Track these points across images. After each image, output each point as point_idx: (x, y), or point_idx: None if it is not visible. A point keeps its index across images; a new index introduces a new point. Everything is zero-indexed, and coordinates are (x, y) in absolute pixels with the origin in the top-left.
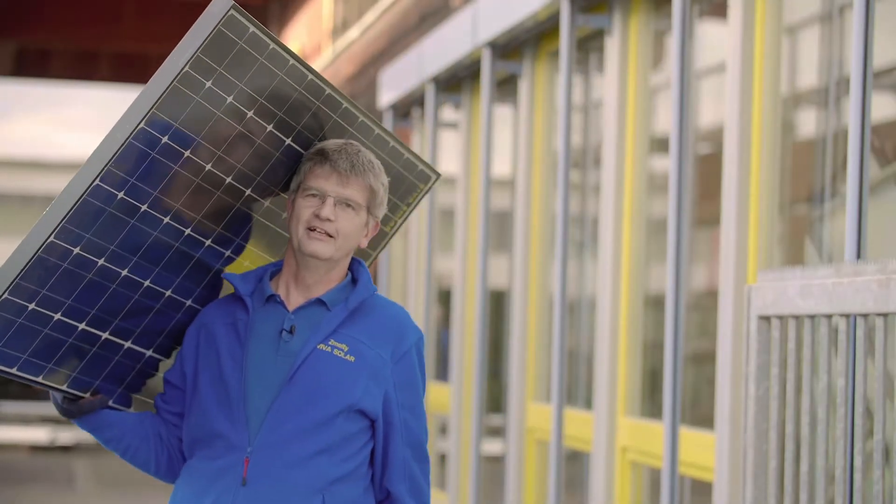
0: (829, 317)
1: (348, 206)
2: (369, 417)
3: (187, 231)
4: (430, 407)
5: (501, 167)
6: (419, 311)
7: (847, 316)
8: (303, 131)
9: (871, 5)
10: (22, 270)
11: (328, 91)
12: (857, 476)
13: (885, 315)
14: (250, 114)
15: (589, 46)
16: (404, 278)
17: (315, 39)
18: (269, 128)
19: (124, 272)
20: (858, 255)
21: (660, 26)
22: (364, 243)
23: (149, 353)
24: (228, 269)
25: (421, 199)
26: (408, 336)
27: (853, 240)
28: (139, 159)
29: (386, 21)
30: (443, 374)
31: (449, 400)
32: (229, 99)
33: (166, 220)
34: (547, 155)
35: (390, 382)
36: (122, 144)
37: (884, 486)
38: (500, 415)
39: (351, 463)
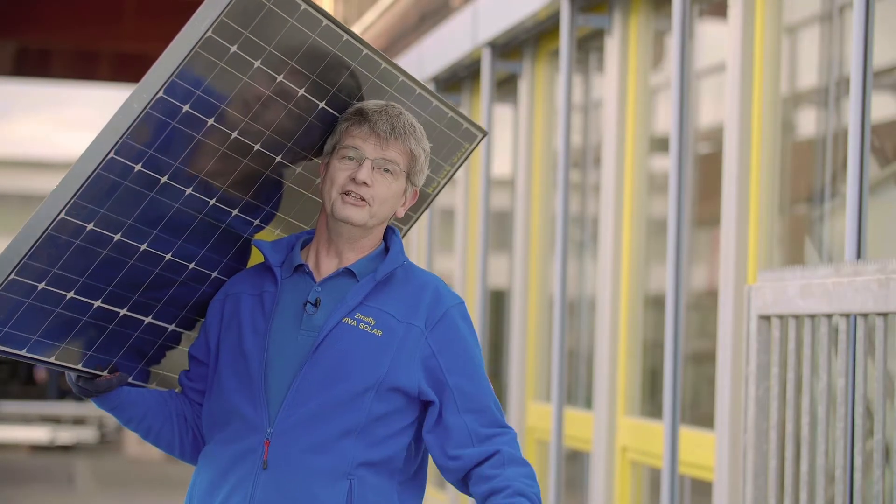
0: (829, 317)
1: (386, 170)
2: (407, 395)
3: (212, 201)
4: None
5: (501, 167)
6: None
7: (847, 316)
8: (338, 94)
9: (871, 5)
10: (30, 249)
11: (365, 51)
12: (857, 476)
13: (885, 315)
14: (280, 77)
15: (589, 46)
16: None
17: None
18: (302, 91)
19: (143, 247)
20: (858, 255)
21: (660, 26)
22: (401, 213)
23: (171, 327)
24: (258, 237)
25: (466, 158)
26: (444, 300)
27: (853, 240)
28: (158, 129)
29: (386, 21)
30: None
31: None
32: (257, 63)
33: (189, 190)
34: (547, 155)
35: (429, 350)
36: (139, 115)
37: (884, 486)
38: None
39: (383, 450)
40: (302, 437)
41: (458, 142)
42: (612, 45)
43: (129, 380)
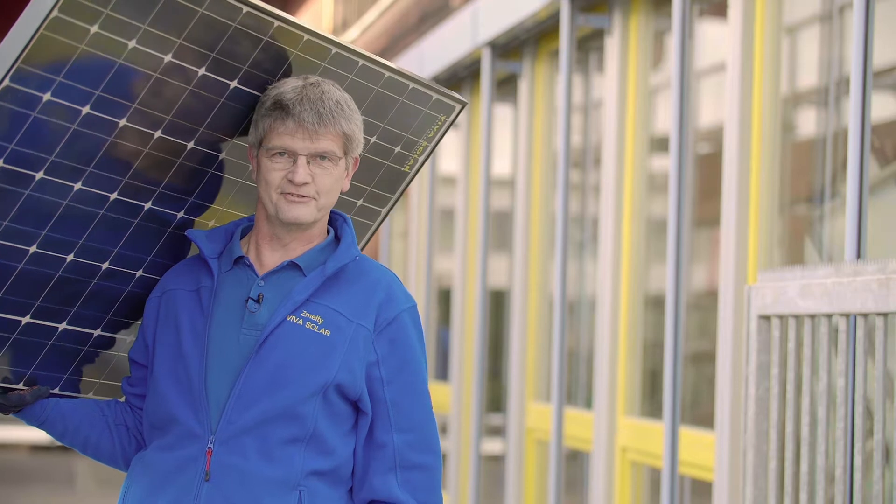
0: (829, 317)
1: (323, 158)
2: (350, 399)
3: (113, 195)
4: None
5: (501, 167)
6: (419, 311)
7: (847, 316)
8: (253, 71)
9: (871, 5)
10: None
11: (277, 24)
12: (857, 476)
13: (885, 315)
14: (168, 57)
15: (589, 46)
16: (404, 278)
17: None
18: (202, 71)
19: (32, 249)
20: (858, 255)
21: (660, 26)
22: (346, 186)
23: (97, 332)
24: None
25: (445, 131)
26: (395, 302)
27: (853, 240)
28: (14, 121)
29: (386, 21)
30: (443, 373)
31: (449, 400)
32: (131, 44)
33: (78, 185)
34: (547, 155)
35: (374, 355)
36: None
37: (884, 486)
38: (500, 415)
39: (333, 458)
40: (246, 446)
41: (430, 115)
42: (612, 45)
43: (57, 391)
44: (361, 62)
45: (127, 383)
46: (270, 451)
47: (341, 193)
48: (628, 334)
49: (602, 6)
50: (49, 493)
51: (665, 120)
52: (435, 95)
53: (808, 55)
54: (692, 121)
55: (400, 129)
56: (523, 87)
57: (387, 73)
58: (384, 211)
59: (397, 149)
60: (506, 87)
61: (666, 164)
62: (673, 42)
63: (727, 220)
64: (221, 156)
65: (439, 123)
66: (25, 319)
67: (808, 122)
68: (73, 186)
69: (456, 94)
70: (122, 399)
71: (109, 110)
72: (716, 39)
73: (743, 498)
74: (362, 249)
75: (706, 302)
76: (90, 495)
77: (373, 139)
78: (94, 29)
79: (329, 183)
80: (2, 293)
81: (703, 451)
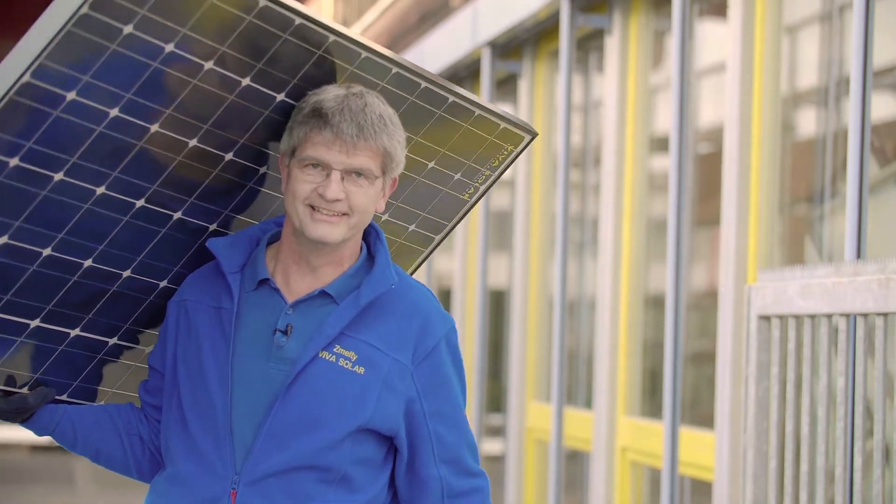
0: (829, 317)
1: (359, 175)
2: (384, 435)
3: (139, 202)
4: None
5: None
6: None
7: (847, 316)
8: (303, 85)
9: (871, 5)
10: None
11: (332, 38)
12: (857, 476)
13: (885, 315)
14: (209, 65)
15: (589, 46)
16: None
17: None
18: (247, 81)
19: (46, 251)
20: (858, 255)
21: (660, 26)
22: (382, 206)
23: (113, 340)
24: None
25: (510, 162)
26: (433, 329)
27: (853, 239)
28: (33, 119)
29: (386, 21)
30: None
31: None
32: (168, 47)
33: (101, 189)
34: (547, 155)
35: (413, 390)
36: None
37: (884, 486)
38: (500, 415)
39: (362, 495)
40: (275, 489)
41: (496, 143)
42: (612, 45)
43: (66, 398)
44: (424, 84)
45: (144, 390)
46: (298, 495)
47: (389, 217)
48: (628, 334)
49: (602, 6)
50: (49, 493)
51: (665, 120)
52: (503, 124)
53: (808, 55)
54: (692, 121)
55: (462, 156)
56: (523, 86)
57: (451, 98)
58: (437, 238)
59: (457, 176)
60: (506, 86)
61: (666, 164)
62: (673, 42)
63: (727, 220)
64: (263, 169)
65: (506, 153)
66: (35, 323)
67: (808, 122)
68: (95, 190)
69: (527, 124)
70: (136, 405)
71: (140, 114)
72: (716, 39)
73: (743, 498)
74: (411, 275)
75: (706, 302)
76: (90, 495)
77: (431, 164)
78: (127, 29)
79: (363, 202)
80: (10, 295)
81: (703, 451)
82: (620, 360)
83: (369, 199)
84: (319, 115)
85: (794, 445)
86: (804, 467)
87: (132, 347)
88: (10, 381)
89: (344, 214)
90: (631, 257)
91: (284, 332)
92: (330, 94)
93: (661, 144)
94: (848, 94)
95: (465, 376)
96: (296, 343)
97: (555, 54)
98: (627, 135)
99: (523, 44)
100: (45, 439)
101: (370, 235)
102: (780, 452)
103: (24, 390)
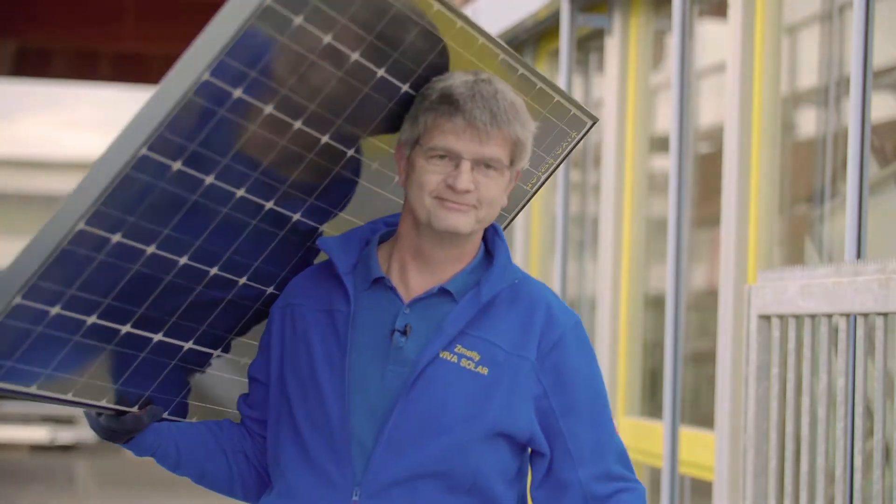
0: (829, 316)
1: (489, 166)
2: (516, 441)
3: (269, 205)
4: None
5: None
6: None
7: (847, 316)
8: (402, 60)
9: (871, 5)
10: (41, 268)
11: (460, 24)
12: (857, 476)
13: (885, 315)
14: (356, 56)
15: (589, 46)
16: None
17: None
18: (381, 72)
19: (183, 261)
20: (858, 255)
21: (660, 26)
22: (505, 201)
23: (217, 353)
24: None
25: (572, 149)
26: (558, 321)
27: (853, 239)
28: (202, 120)
29: None
30: None
31: None
32: (327, 38)
33: (241, 192)
34: None
35: (540, 387)
36: (179, 102)
37: (884, 486)
38: None
39: None
40: (398, 500)
41: (564, 130)
42: (612, 45)
43: (166, 415)
44: (521, 70)
45: (245, 404)
46: None
47: None
48: (628, 334)
49: (602, 6)
50: (49, 493)
51: (665, 120)
52: (573, 110)
53: (808, 55)
54: (692, 121)
55: (535, 144)
56: None
57: (539, 84)
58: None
59: (527, 166)
60: None
61: (666, 164)
62: (673, 42)
63: (727, 219)
64: (375, 165)
65: (569, 140)
66: (157, 337)
67: (808, 122)
68: (235, 193)
69: (588, 111)
70: (235, 422)
71: (289, 110)
72: (716, 39)
73: (743, 498)
74: None
75: (706, 302)
76: (90, 495)
77: None
78: (298, 20)
79: (494, 193)
80: (144, 308)
81: (703, 450)
82: (620, 359)
83: (499, 191)
84: (450, 102)
85: (794, 445)
86: (804, 467)
87: (228, 358)
88: (122, 400)
89: (472, 207)
90: (631, 257)
91: (403, 333)
92: (458, 80)
93: (661, 144)
94: (848, 94)
95: (600, 372)
96: (414, 344)
97: (555, 54)
98: (627, 135)
99: (523, 44)
100: (46, 439)
101: (488, 231)
102: (780, 452)
103: (135, 409)
